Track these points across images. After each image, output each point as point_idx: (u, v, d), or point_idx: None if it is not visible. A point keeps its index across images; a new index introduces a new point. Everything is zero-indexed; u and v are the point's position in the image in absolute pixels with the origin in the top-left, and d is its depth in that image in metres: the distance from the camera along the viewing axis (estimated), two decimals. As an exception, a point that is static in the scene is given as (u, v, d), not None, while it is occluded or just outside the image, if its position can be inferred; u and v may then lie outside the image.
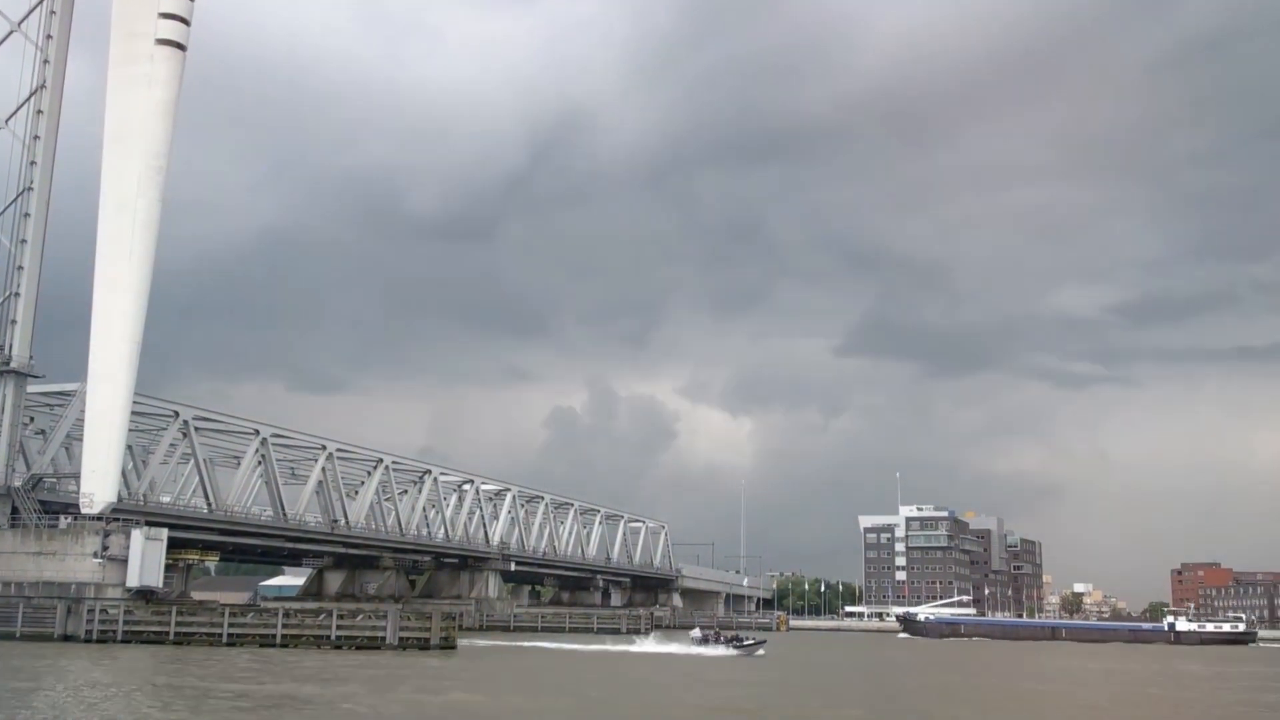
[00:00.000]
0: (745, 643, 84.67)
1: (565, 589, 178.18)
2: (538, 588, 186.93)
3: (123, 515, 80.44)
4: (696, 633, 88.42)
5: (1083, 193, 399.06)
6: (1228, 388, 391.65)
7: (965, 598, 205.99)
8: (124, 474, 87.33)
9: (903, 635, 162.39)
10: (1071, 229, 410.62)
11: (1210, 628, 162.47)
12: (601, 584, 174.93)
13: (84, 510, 77.95)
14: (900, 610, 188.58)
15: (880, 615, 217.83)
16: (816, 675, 65.73)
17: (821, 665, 78.39)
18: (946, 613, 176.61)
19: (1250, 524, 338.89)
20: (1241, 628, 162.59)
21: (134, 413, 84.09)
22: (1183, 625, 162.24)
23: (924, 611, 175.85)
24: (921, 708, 44.21)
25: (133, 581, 76.81)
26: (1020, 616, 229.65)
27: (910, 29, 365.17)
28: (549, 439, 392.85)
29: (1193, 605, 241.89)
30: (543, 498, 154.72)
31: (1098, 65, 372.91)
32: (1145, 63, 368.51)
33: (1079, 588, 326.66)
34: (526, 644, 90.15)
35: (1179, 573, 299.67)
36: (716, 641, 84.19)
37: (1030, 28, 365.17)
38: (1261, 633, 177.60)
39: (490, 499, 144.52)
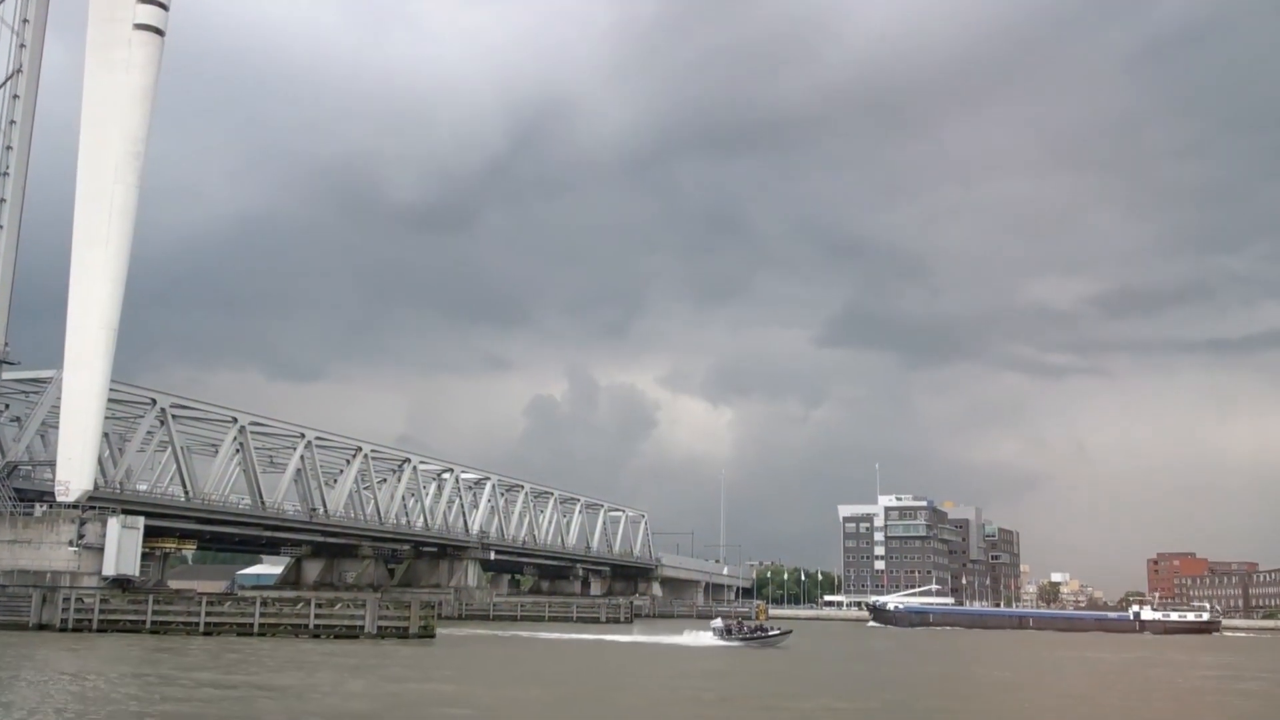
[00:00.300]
0: (770, 634, 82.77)
1: (545, 578, 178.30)
2: (517, 576, 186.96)
3: (99, 503, 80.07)
4: (718, 623, 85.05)
5: (1061, 185, 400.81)
6: (1202, 379, 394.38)
7: (935, 587, 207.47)
8: (100, 462, 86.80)
9: (872, 624, 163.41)
10: (1049, 221, 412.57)
11: (1175, 616, 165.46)
12: (581, 573, 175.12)
13: (60, 498, 77.41)
14: (870, 599, 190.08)
15: (860, 605, 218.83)
16: (800, 665, 65.83)
17: (809, 655, 78.54)
18: (915, 602, 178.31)
19: (1225, 514, 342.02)
20: (1206, 617, 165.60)
21: (110, 400, 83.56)
22: (1148, 614, 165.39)
23: (893, 601, 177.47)
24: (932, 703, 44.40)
25: (109, 570, 76.41)
26: (998, 606, 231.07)
27: (891, 20, 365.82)
28: (529, 428, 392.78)
29: (1158, 595, 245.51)
30: (522, 486, 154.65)
31: (1077, 58, 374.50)
32: (1124, 56, 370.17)
33: (1056, 577, 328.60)
34: (525, 634, 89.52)
35: (1155, 562, 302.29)
36: (739, 633, 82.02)
37: (1010, 20, 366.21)
38: (1226, 621, 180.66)
39: (470, 488, 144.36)
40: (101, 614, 70.14)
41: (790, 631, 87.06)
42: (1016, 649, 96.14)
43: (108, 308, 78.34)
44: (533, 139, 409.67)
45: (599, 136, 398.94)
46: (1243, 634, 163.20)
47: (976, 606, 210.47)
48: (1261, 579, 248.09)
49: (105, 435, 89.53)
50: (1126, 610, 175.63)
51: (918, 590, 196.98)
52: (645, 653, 71.71)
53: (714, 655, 69.71)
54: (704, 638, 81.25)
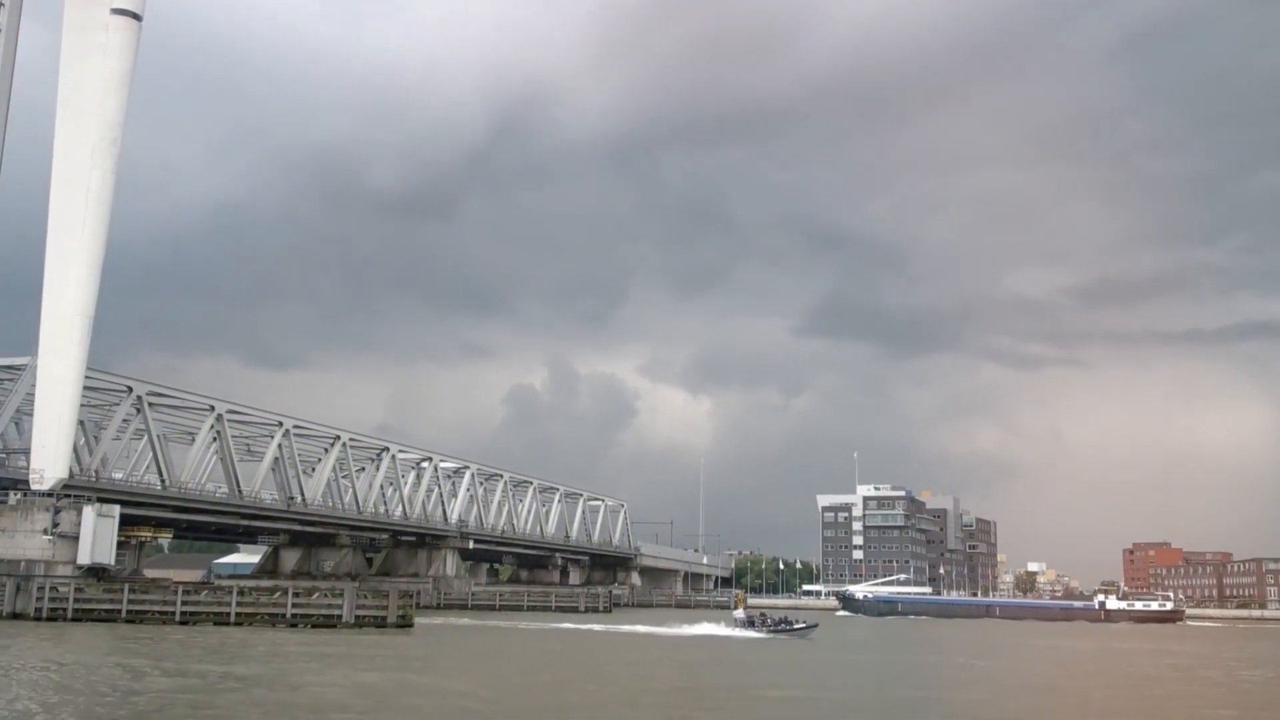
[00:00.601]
0: (795, 626, 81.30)
1: (523, 567, 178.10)
2: (496, 566, 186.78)
3: (74, 492, 79.56)
4: (740, 614, 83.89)
5: (1039, 176, 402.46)
6: (1179, 370, 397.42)
7: (903, 576, 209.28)
8: (75, 450, 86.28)
9: (841, 613, 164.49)
10: (1028, 212, 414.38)
11: (1139, 606, 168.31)
12: (560, 562, 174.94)
13: (34, 486, 76.95)
14: (840, 588, 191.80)
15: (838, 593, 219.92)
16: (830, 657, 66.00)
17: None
18: (884, 591, 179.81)
19: (1200, 505, 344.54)
20: (1170, 606, 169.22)
21: (86, 388, 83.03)
22: (1113, 604, 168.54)
23: (862, 590, 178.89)
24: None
25: (84, 559, 76.04)
26: (975, 595, 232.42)
27: (872, 11, 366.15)
28: (508, 417, 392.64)
29: (1122, 585, 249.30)
30: (501, 475, 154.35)
31: (1056, 50, 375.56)
32: (1103, 48, 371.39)
33: (1033, 567, 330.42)
34: (523, 624, 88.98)
35: (1130, 552, 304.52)
36: (761, 625, 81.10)
37: (991, 11, 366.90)
38: (1190, 611, 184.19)
39: (449, 477, 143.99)
40: (76, 603, 69.68)
41: (817, 625, 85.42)
42: (990, 637, 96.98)
43: (83, 294, 77.76)
44: (514, 127, 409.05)
45: (580, 125, 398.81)
46: (1205, 624, 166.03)
47: (943, 596, 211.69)
48: (1235, 569, 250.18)
49: (80, 423, 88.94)
50: (1092, 600, 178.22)
51: (887, 580, 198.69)
52: (666, 645, 70.13)
53: (749, 647, 68.40)
54: (723, 629, 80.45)
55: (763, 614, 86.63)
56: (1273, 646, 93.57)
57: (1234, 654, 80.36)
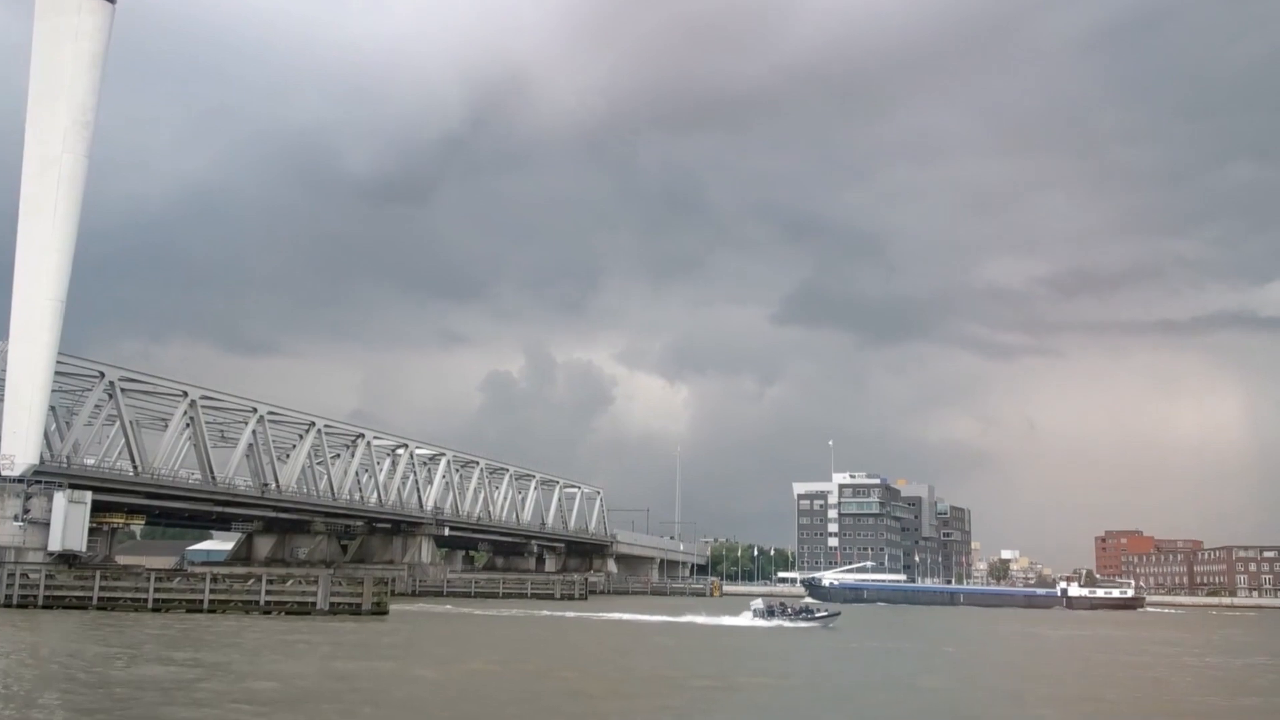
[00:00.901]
0: (817, 614, 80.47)
1: (499, 554, 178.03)
2: (472, 553, 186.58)
3: (45, 477, 79.05)
4: (759, 603, 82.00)
5: (1014, 166, 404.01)
6: (1151, 360, 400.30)
7: (869, 564, 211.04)
8: (46, 435, 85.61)
9: (807, 599, 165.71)
10: (1003, 202, 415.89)
11: (1100, 593, 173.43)
12: (536, 549, 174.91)
13: (4, 472, 76.44)
14: (797, 575, 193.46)
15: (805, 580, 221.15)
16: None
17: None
18: (850, 578, 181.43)
19: (1171, 493, 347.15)
20: (1130, 593, 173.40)
21: (57, 373, 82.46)
22: (1074, 591, 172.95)
23: (829, 577, 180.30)
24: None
25: (55, 545, 75.62)
26: (949, 583, 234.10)
27: (850, 1, 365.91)
28: (485, 403, 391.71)
29: (1084, 572, 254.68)
30: (478, 462, 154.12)
31: (1032, 41, 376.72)
32: (1078, 39, 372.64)
33: (1006, 554, 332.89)
34: (518, 611, 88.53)
35: (1102, 540, 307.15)
36: (782, 614, 79.54)
37: (967, 2, 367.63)
38: (1154, 598, 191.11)
39: (424, 463, 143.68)
40: (47, 590, 69.22)
41: (839, 613, 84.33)
42: (948, 624, 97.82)
43: (55, 279, 77.23)
44: (490, 113, 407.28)
45: (558, 112, 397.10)
46: (1165, 610, 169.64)
47: (916, 583, 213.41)
48: (1205, 557, 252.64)
49: (52, 408, 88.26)
50: (1055, 588, 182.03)
51: (854, 567, 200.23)
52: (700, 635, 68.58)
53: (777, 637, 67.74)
54: (742, 618, 79.01)
55: (782, 603, 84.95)
56: (1209, 632, 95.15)
57: (1164, 638, 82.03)
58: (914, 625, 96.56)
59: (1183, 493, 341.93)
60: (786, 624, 77.38)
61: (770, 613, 79.89)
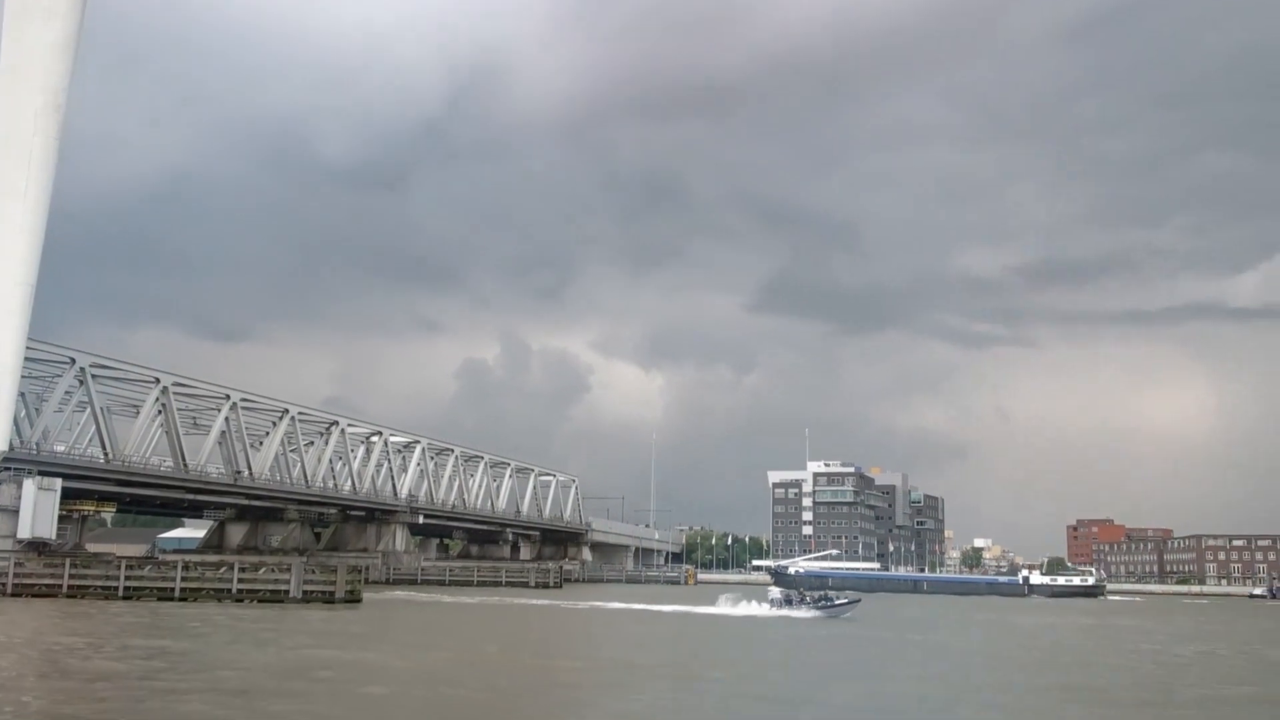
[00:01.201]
0: (836, 602, 77.58)
1: (474, 542, 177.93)
2: (446, 541, 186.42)
3: (14, 465, 78.47)
4: (775, 593, 79.79)
5: (989, 156, 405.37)
6: (1124, 350, 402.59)
7: (833, 552, 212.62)
8: (16, 422, 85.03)
9: (773, 588, 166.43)
10: (977, 191, 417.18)
11: (1062, 581, 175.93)
12: (511, 537, 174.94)
13: (-27, 459, 75.69)
14: (772, 563, 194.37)
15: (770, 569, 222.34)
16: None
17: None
18: (816, 566, 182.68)
19: (1142, 482, 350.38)
20: (1091, 581, 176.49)
21: (27, 359, 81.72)
22: (1036, 579, 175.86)
23: (794, 565, 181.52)
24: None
25: (24, 533, 75.02)
26: (922, 571, 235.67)
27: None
28: (460, 391, 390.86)
29: (1045, 560, 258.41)
30: (453, 450, 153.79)
31: (1007, 30, 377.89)
32: (1054, 29, 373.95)
33: (979, 543, 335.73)
34: (515, 600, 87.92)
35: (1074, 529, 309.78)
36: (800, 603, 76.73)
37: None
38: (1111, 585, 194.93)
39: (399, 451, 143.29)
40: (16, 578, 68.53)
41: (859, 600, 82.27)
42: (899, 612, 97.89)
43: (25, 264, 76.45)
44: (467, 100, 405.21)
45: (534, 98, 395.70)
46: (1124, 598, 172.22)
47: (886, 571, 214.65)
48: (1175, 545, 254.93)
49: (21, 395, 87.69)
50: (1016, 575, 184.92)
51: (819, 555, 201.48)
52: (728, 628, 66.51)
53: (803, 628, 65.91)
54: (759, 608, 76.55)
55: (801, 592, 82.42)
56: (1163, 620, 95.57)
57: (1106, 623, 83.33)
58: (878, 614, 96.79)
59: (1154, 482, 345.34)
60: (810, 614, 74.55)
61: (788, 602, 77.27)
